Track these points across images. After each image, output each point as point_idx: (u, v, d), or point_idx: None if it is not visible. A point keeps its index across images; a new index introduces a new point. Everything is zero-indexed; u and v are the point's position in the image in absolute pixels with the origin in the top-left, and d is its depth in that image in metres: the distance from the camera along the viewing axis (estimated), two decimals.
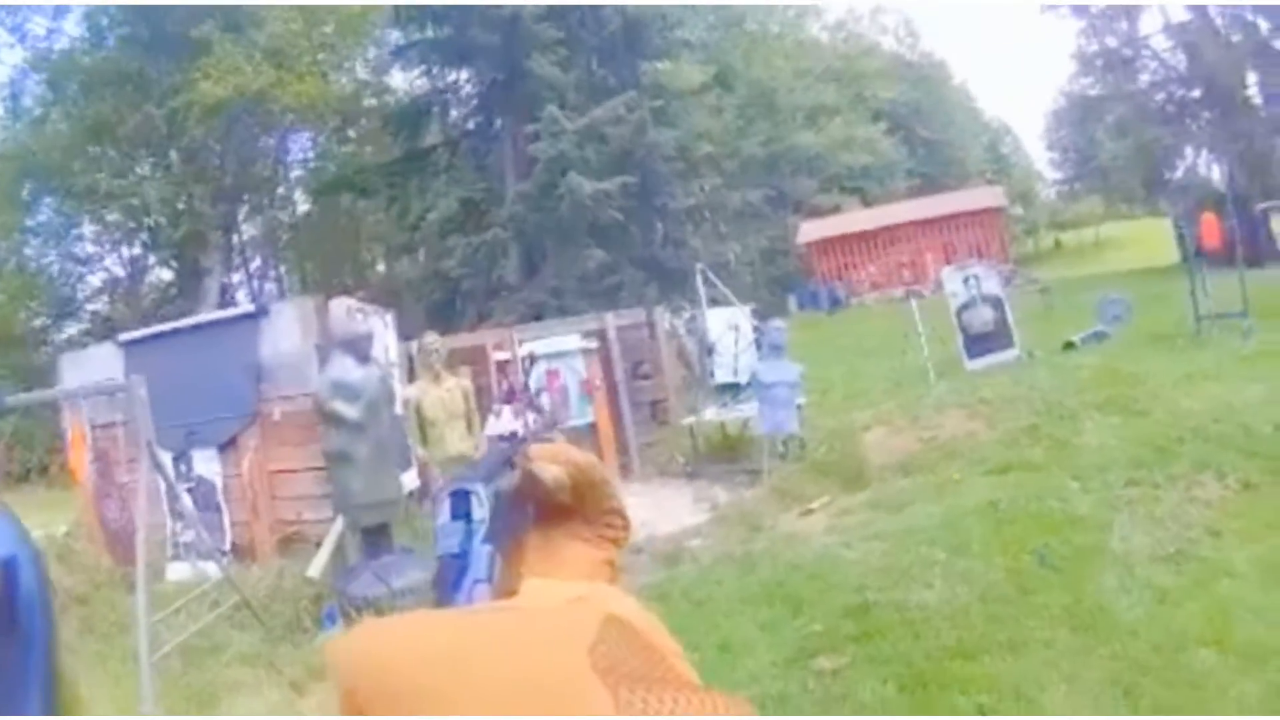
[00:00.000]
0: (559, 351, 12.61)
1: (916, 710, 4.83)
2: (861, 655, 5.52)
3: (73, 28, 31.05)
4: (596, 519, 1.22)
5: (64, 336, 30.72)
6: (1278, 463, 7.89)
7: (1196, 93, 35.80)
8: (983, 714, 4.73)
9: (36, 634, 1.25)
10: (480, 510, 1.11)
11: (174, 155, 31.36)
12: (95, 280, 33.98)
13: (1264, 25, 34.04)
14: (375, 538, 7.49)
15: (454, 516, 1.12)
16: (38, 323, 31.50)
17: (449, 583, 1.09)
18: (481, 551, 1.09)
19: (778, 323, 13.20)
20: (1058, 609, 5.78)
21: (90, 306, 33.43)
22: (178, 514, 8.12)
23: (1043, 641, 5.38)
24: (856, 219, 48.56)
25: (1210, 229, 15.80)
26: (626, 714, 0.63)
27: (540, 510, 1.18)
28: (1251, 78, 34.82)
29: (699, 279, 14.99)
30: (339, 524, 8.08)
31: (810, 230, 48.09)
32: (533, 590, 1.06)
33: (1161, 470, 8.05)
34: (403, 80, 36.40)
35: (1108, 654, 5.12)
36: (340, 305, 9.02)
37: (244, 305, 32.03)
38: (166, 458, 7.41)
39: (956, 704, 4.82)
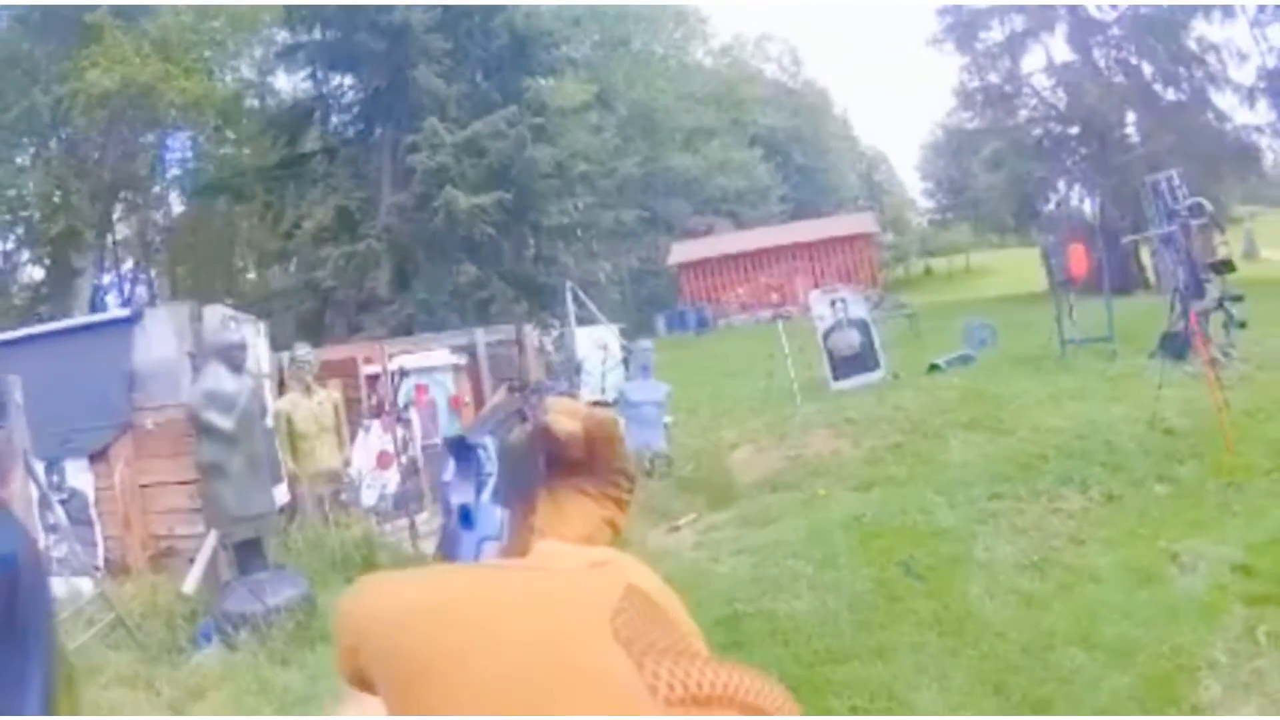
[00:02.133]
0: (428, 366, 12.56)
1: None
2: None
3: None
4: (604, 476, 1.22)
5: None
6: (1140, 475, 8.20)
7: (1074, 130, 37.15)
8: (855, 714, 4.91)
9: (36, 630, 1.41)
10: (488, 464, 1.08)
11: (54, 146, 30.55)
12: None
13: (1147, 69, 35.42)
14: (248, 553, 7.40)
15: (459, 471, 1.10)
16: None
17: (457, 540, 1.07)
18: (490, 508, 1.06)
19: (646, 343, 13.48)
20: (925, 615, 5.97)
21: None
22: (51, 526, 7.99)
23: (911, 646, 5.55)
24: (728, 241, 48.98)
25: (1079, 258, 16.25)
26: (650, 684, 0.62)
27: (550, 465, 1.18)
28: (1130, 117, 36.17)
29: (569, 296, 15.18)
30: (212, 538, 7.96)
31: (681, 251, 48.41)
32: (549, 551, 1.03)
33: (1025, 484, 8.31)
34: (287, 83, 36.09)
35: (976, 655, 5.31)
36: (215, 313, 9.05)
37: (116, 308, 31.42)
38: (39, 467, 7.36)
39: (830, 706, 4.96)
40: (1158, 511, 7.43)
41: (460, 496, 1.09)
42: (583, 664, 0.65)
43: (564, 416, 1.16)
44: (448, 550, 1.08)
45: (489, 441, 1.11)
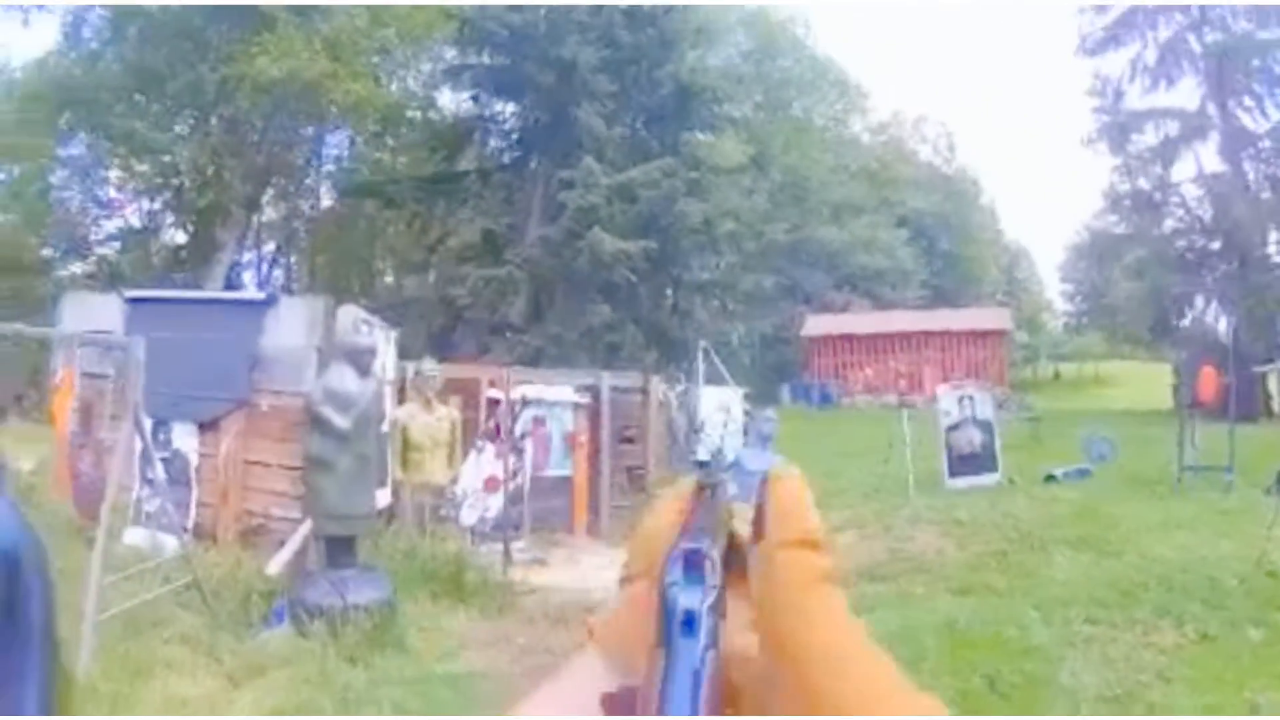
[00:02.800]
0: (550, 400, 12.58)
1: None
2: None
3: None
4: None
5: (67, 273, 30.63)
6: (1238, 617, 7.85)
7: (1217, 244, 36.13)
8: None
9: (36, 623, 1.32)
10: (713, 576, 1.03)
11: (215, 122, 31.35)
12: (110, 226, 33.90)
13: None
14: (339, 549, 7.40)
15: (689, 580, 1.04)
16: (45, 253, 31.40)
17: (676, 646, 1.03)
18: (712, 617, 1.04)
19: (769, 412, 13.22)
20: None
21: (100, 250, 33.25)
22: (147, 481, 8.04)
23: None
24: (863, 320, 48.70)
25: (1208, 382, 15.80)
26: None
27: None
28: (1273, 235, 35.19)
29: (700, 354, 15.07)
30: (306, 527, 7.99)
31: (816, 324, 48.23)
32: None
33: (1123, 612, 8.02)
34: (450, 100, 36.60)
35: None
36: (349, 314, 9.11)
37: (251, 287, 32.10)
38: (147, 424, 7.41)
39: None
40: (1249, 657, 7.09)
41: (687, 602, 0.97)
42: None
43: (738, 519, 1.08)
44: (665, 653, 0.98)
45: (713, 551, 1.00)
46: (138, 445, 7.25)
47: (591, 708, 0.62)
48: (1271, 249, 35.29)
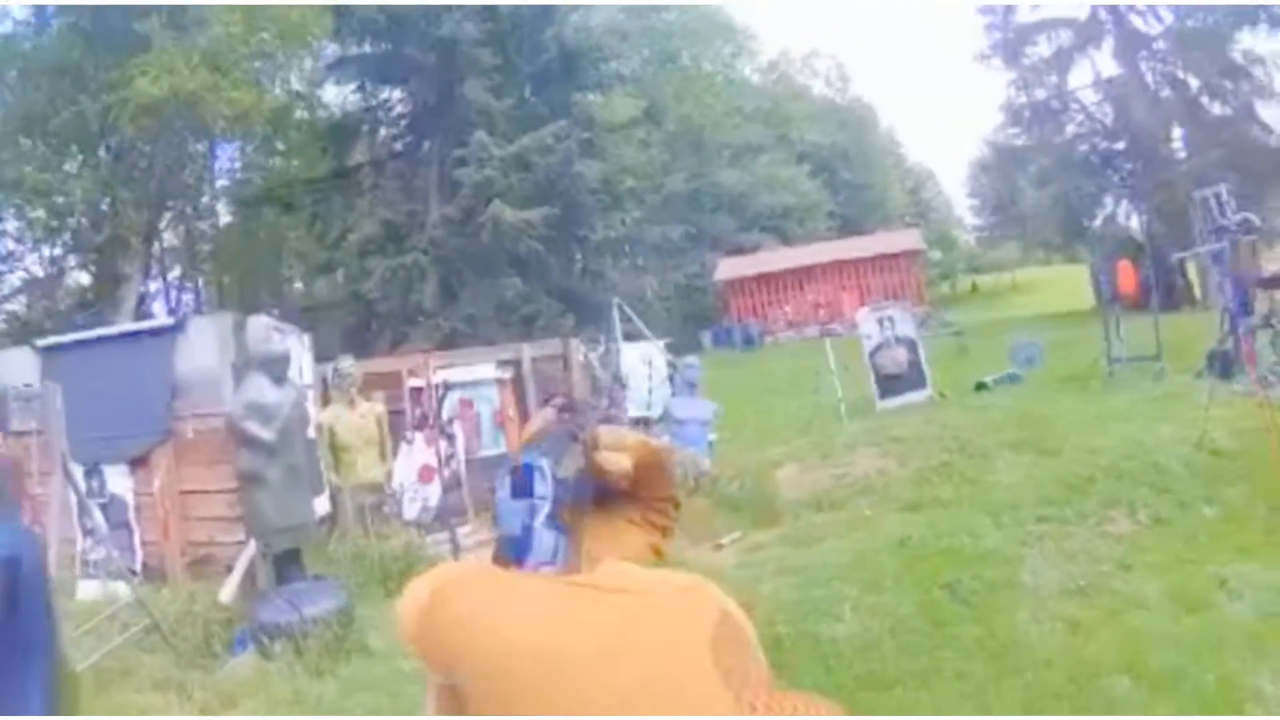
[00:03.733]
0: (473, 380, 12.53)
1: None
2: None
3: (19, 10, 30.26)
4: (649, 504, 1.23)
5: None
6: (1188, 498, 8.09)
7: (1121, 145, 36.78)
8: None
9: (40, 634, 1.39)
10: (542, 486, 1.09)
11: (103, 154, 30.75)
12: (14, 279, 33.22)
13: (1194, 83, 35.08)
14: (286, 563, 7.42)
15: (515, 494, 1.10)
16: None
17: (511, 563, 1.06)
18: (545, 532, 1.07)
19: (692, 360, 13.40)
20: (970, 641, 5.87)
21: (7, 306, 32.81)
22: (88, 530, 8.03)
23: (956, 673, 5.46)
24: (775, 258, 48.76)
25: (1126, 275, 16.03)
26: (746, 715, 0.62)
27: (599, 492, 1.19)
28: (1177, 132, 35.82)
29: (615, 312, 15.12)
30: (251, 547, 7.98)
31: (728, 268, 48.21)
32: (625, 573, 1.03)
33: (1073, 507, 8.16)
34: (335, 95, 36.22)
35: (1021, 684, 5.22)
36: (259, 324, 9.10)
37: (161, 316, 31.63)
38: (79, 471, 7.40)
39: None
40: (1206, 536, 7.32)
41: (515, 518, 1.08)
42: (689, 697, 0.65)
43: (615, 452, 1.16)
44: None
45: (545, 465, 1.11)
46: (72, 497, 7.24)
47: None
48: (1175, 145, 35.90)
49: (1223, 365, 12.10)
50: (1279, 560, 6.50)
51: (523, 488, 1.09)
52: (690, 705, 0.64)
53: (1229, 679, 4.97)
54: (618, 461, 1.14)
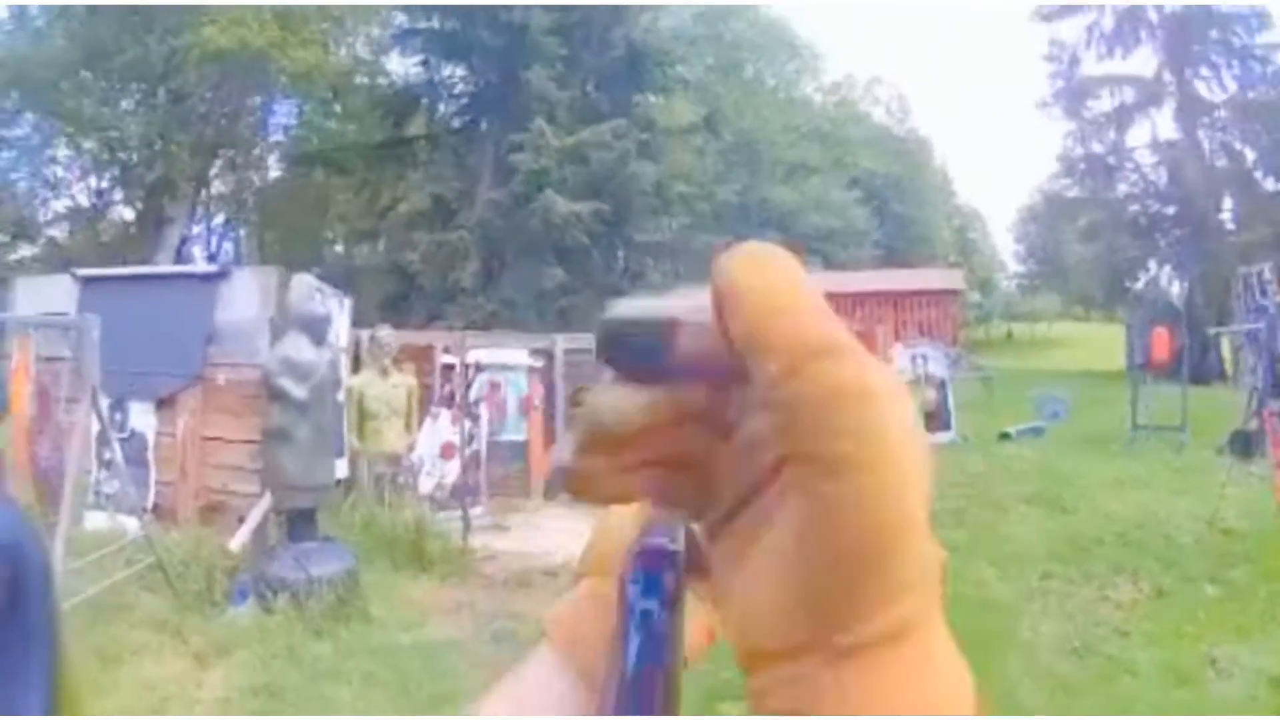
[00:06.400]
0: (505, 364, 12.57)
1: None
2: None
3: None
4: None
5: (16, 257, 30.24)
6: (1193, 573, 8.06)
7: (1171, 209, 36.46)
8: None
9: (40, 621, 1.34)
10: (672, 572, 0.93)
11: (161, 96, 30.88)
12: (59, 206, 33.42)
13: (1250, 155, 34.85)
14: (300, 521, 7.38)
15: (646, 592, 0.96)
16: None
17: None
18: (669, 615, 0.96)
19: None
20: None
21: (49, 232, 32.95)
22: (105, 463, 8.04)
23: None
24: (815, 280, 48.30)
25: (1161, 342, 15.99)
26: None
27: None
28: (1228, 203, 35.52)
29: None
30: (266, 501, 7.97)
31: None
32: None
33: (1079, 567, 8.23)
34: (399, 66, 36.19)
35: None
36: (303, 281, 9.05)
37: (201, 261, 31.85)
38: (105, 404, 7.38)
39: None
40: (1205, 613, 7.32)
41: (644, 601, 0.98)
42: None
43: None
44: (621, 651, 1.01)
45: (675, 549, 1.02)
46: (95, 427, 7.22)
47: (547, 706, 0.65)
48: (1225, 216, 35.65)
49: (1244, 445, 12.10)
50: (1271, 645, 6.52)
51: (655, 570, 0.96)
52: None
53: None
54: None
